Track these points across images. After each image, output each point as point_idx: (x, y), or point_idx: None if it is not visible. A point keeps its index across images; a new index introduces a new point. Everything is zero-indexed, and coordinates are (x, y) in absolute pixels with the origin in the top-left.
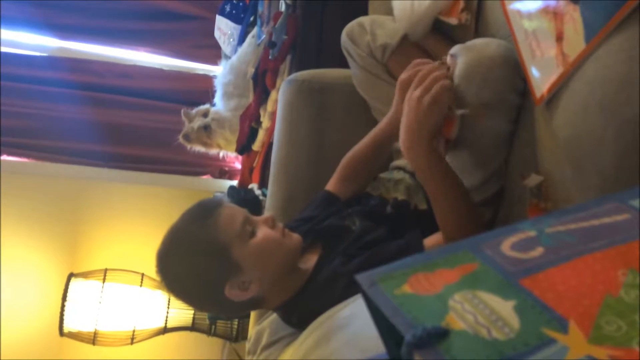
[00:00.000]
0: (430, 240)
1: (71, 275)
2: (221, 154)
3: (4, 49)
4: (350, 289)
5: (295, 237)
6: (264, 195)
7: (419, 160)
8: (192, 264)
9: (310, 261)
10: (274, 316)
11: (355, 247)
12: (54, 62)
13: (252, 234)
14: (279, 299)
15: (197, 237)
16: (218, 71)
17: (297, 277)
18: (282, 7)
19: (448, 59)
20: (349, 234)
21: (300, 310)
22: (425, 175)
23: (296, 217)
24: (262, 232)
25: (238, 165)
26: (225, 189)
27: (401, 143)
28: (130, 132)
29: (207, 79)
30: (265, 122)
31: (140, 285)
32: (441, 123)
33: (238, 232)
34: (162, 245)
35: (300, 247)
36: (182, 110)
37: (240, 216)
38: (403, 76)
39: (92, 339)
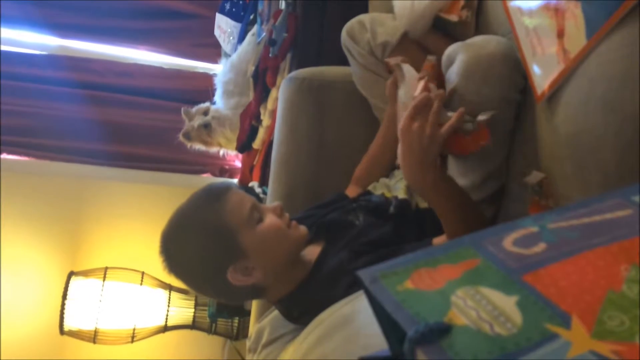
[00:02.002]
0: (439, 241)
1: (71, 274)
2: (221, 153)
3: (4, 48)
4: (354, 287)
5: (302, 228)
6: (265, 193)
7: (428, 193)
8: (197, 245)
9: (312, 254)
10: (274, 314)
11: (360, 242)
12: (54, 60)
13: (259, 220)
14: (281, 290)
15: (205, 220)
16: (218, 69)
17: (299, 269)
18: (282, 5)
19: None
20: (352, 228)
21: (302, 303)
22: (434, 202)
23: (306, 209)
24: (269, 219)
25: (238, 164)
26: None
27: (406, 178)
28: (131, 130)
29: (207, 78)
30: (265, 120)
31: (141, 284)
32: (455, 140)
33: (245, 218)
34: (168, 226)
35: (306, 240)
36: (182, 109)
37: (249, 202)
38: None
39: (93, 337)
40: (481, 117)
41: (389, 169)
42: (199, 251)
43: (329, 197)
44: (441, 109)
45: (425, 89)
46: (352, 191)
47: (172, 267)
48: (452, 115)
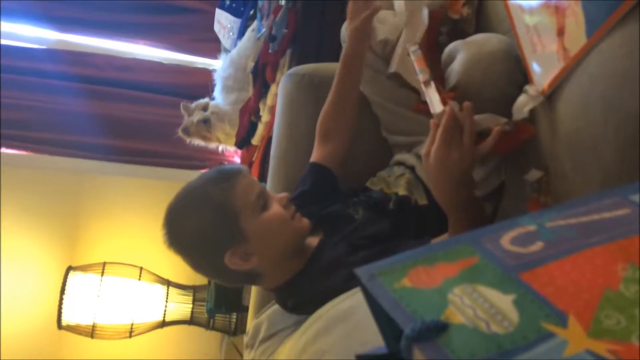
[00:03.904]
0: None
1: (70, 269)
2: (220, 148)
3: (4, 42)
4: (351, 280)
5: (304, 221)
6: None
7: (459, 210)
8: (199, 222)
9: (310, 245)
10: (272, 309)
11: (358, 236)
12: (53, 54)
13: (264, 207)
14: (277, 279)
15: (210, 198)
16: (218, 65)
17: (297, 259)
18: (282, 1)
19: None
20: (351, 222)
21: (297, 293)
22: (461, 217)
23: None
24: (274, 208)
25: (237, 159)
26: None
27: (442, 202)
28: (130, 125)
29: (207, 73)
30: (264, 116)
31: (139, 279)
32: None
33: (251, 203)
34: (174, 200)
35: (308, 232)
36: (182, 104)
37: (257, 188)
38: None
39: (91, 332)
40: (518, 115)
41: (356, 109)
42: (200, 228)
43: (303, 175)
44: (473, 121)
45: (445, 104)
46: (318, 153)
47: (172, 240)
48: (481, 119)
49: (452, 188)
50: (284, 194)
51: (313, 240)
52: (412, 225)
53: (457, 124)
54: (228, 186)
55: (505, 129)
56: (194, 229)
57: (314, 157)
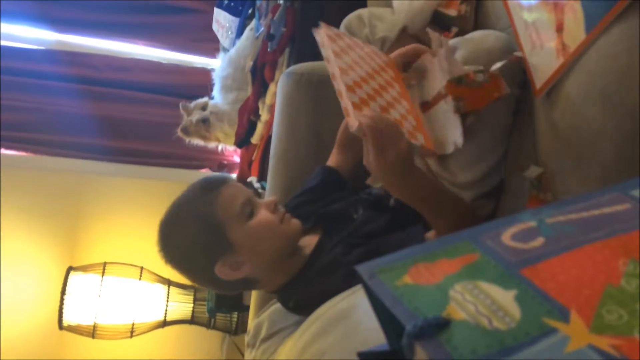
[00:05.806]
0: (432, 235)
1: (70, 269)
2: (220, 148)
3: (3, 43)
4: (351, 279)
5: (294, 222)
6: (263, 188)
7: (412, 198)
8: (187, 235)
9: (309, 244)
10: (272, 308)
11: (356, 235)
12: (52, 55)
13: (251, 215)
14: (276, 281)
15: (196, 210)
16: (216, 64)
17: (295, 260)
18: (281, 0)
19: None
20: (350, 221)
21: (298, 294)
22: (419, 204)
23: (296, 193)
24: (261, 215)
25: (237, 159)
26: None
27: (403, 200)
28: (129, 125)
29: (206, 72)
30: (263, 115)
31: (140, 279)
32: (468, 94)
33: (236, 212)
34: (164, 216)
35: (299, 233)
36: (181, 104)
37: (242, 197)
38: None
39: (92, 332)
40: (493, 67)
41: None
42: (188, 242)
43: (312, 175)
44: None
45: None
46: (334, 159)
47: (166, 256)
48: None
49: (401, 184)
50: (272, 198)
51: (312, 240)
52: (412, 221)
53: (381, 131)
54: (212, 198)
55: (479, 77)
56: (183, 244)
57: (332, 161)
